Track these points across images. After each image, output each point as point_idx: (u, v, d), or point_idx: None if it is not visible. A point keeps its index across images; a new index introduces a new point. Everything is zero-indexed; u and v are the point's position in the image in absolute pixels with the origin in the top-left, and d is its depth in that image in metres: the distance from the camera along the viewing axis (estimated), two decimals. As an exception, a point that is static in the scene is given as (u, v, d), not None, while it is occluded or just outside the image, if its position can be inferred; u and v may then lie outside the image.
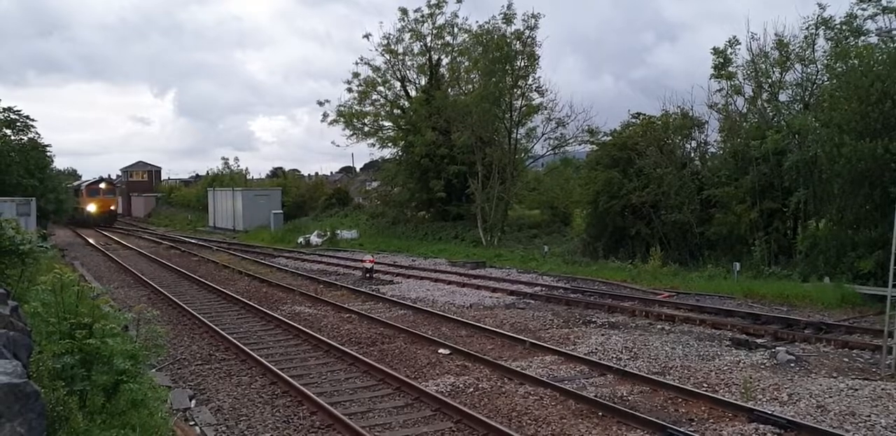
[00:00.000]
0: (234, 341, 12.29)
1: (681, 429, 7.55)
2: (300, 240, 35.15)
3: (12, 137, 33.82)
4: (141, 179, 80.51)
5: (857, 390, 8.96)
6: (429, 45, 36.32)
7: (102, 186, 55.47)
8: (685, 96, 37.66)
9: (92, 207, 52.63)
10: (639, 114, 26.39)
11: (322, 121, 38.80)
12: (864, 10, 20.25)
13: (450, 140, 34.06)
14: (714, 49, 22.95)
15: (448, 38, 36.00)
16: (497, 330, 13.25)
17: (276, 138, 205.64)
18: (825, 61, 20.56)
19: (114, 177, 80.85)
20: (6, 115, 33.39)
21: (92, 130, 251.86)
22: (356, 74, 37.30)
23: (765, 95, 22.48)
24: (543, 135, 33.11)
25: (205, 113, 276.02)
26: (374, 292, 18.46)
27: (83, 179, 67.69)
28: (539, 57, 31.24)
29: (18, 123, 33.73)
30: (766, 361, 10.88)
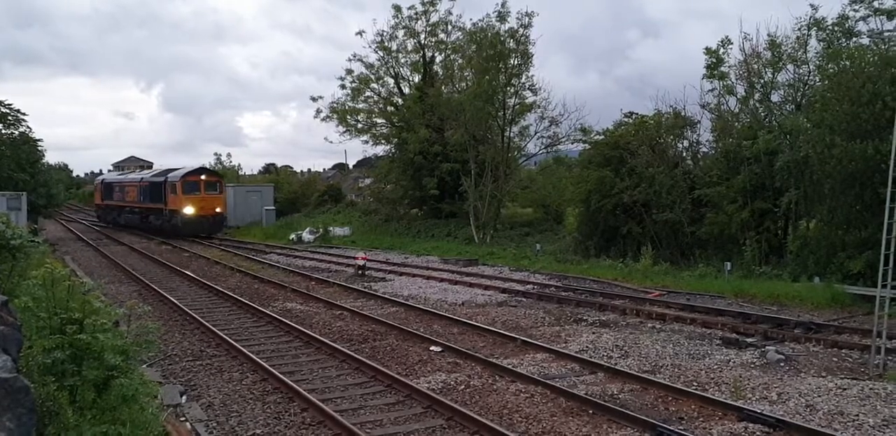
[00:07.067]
0: (226, 338, 12.28)
1: (671, 427, 7.58)
2: (292, 236, 35.09)
3: (3, 131, 33.60)
4: None
5: (845, 389, 9.02)
6: (422, 42, 36.30)
7: (204, 177, 37.48)
8: (677, 96, 37.82)
9: (189, 209, 35.61)
10: (631, 113, 26.52)
11: (315, 117, 38.78)
12: (855, 11, 20.37)
13: (443, 138, 34.06)
14: (707, 49, 23.02)
15: (442, 35, 36.03)
16: (489, 328, 13.27)
17: (264, 134, 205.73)
18: (817, 62, 20.65)
19: (106, 172, 79.54)
20: (-4, 109, 33.17)
21: (80, 125, 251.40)
22: (349, 71, 37.28)
23: (757, 96, 22.56)
24: (536, 133, 33.29)
25: (191, 108, 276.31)
26: (366, 289, 18.45)
27: (165, 168, 43.42)
28: (532, 55, 31.38)
29: (9, 117, 33.50)
30: (755, 360, 10.94)
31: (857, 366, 10.61)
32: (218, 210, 37.10)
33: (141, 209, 40.73)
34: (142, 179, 41.46)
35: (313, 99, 38.75)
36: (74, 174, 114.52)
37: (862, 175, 16.28)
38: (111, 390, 5.90)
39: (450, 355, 11.28)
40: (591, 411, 8.39)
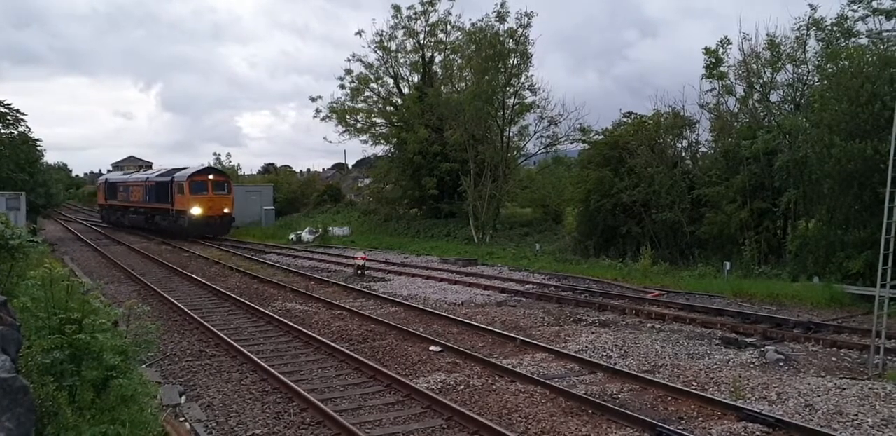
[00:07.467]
0: (225, 338, 12.27)
1: (670, 427, 7.58)
2: (292, 236, 35.09)
3: (2, 131, 33.55)
4: None
5: (844, 389, 9.02)
6: (422, 42, 36.34)
7: (212, 177, 36.43)
8: (676, 96, 37.85)
9: (196, 210, 34.70)
10: (630, 113, 26.53)
11: (314, 117, 38.90)
12: (854, 11, 20.40)
13: (443, 137, 34.07)
14: (706, 49, 23.05)
15: (441, 35, 36.08)
16: (488, 327, 13.26)
17: (263, 134, 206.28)
18: (816, 62, 20.69)
19: (105, 172, 79.27)
20: (-5, 108, 33.11)
21: (79, 125, 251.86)
22: (349, 71, 37.34)
23: (756, 96, 22.59)
24: (536, 133, 33.36)
25: (190, 108, 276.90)
26: (365, 289, 18.44)
27: (165, 168, 42.87)
28: (531, 55, 31.42)
29: (8, 117, 33.46)
30: (755, 360, 10.95)
31: (856, 366, 10.62)
32: (226, 211, 36.14)
33: (146, 210, 39.80)
34: (147, 178, 40.44)
35: (312, 99, 39.00)
36: (73, 174, 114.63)
37: (861, 175, 16.30)
38: (110, 390, 5.89)
39: (449, 354, 11.28)
40: (590, 411, 8.39)
